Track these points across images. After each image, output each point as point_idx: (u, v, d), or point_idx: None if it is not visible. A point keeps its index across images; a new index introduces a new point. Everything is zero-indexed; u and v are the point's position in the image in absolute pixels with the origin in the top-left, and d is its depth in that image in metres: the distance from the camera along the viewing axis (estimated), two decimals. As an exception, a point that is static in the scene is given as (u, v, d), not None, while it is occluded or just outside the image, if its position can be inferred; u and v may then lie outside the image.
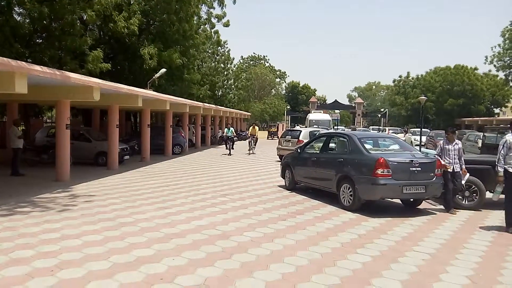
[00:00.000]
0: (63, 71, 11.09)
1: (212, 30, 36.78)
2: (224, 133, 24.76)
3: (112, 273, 4.87)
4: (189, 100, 24.83)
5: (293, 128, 27.80)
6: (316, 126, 29.07)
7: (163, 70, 21.80)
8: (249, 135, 25.42)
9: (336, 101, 75.70)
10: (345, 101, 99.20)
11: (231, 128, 24.58)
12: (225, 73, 51.79)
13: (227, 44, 49.97)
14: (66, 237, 6.28)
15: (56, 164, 12.45)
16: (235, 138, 26.81)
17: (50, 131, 17.42)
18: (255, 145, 24.81)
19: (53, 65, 16.46)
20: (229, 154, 22.89)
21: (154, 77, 21.83)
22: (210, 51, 45.33)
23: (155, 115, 35.48)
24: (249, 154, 23.69)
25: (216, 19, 32.79)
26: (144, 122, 19.80)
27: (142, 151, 19.00)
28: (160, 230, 6.80)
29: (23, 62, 8.92)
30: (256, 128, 25.61)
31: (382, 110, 73.67)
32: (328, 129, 26.09)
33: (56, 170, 12.37)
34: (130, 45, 22.74)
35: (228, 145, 23.49)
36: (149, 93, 17.64)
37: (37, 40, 19.91)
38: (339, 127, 42.24)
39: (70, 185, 11.37)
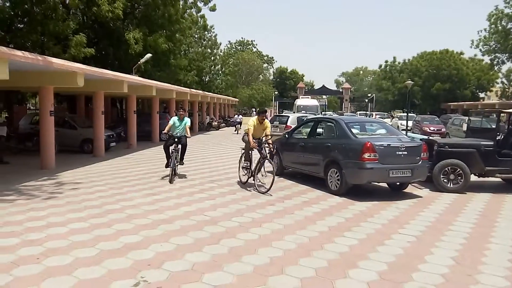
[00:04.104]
0: (46, 56, 10.85)
1: (198, 15, 36.31)
2: (168, 130, 10.54)
3: (100, 260, 4.84)
4: (175, 86, 24.59)
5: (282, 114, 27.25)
6: (304, 112, 29.11)
7: (149, 55, 21.50)
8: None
9: (323, 86, 75.88)
10: (333, 86, 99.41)
11: (186, 119, 10.86)
12: (212, 58, 51.29)
13: (213, 28, 49.49)
14: (52, 225, 6.21)
15: (40, 152, 12.25)
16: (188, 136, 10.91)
17: (34, 118, 17.12)
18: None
19: (35, 50, 16.11)
20: (172, 177, 10.02)
21: (139, 62, 21.53)
22: (196, 36, 44.80)
23: (142, 101, 35.11)
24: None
25: (202, 3, 32.36)
26: (130, 108, 19.57)
27: (128, 138, 18.81)
28: (148, 217, 6.76)
29: (4, 47, 8.67)
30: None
31: (369, 95, 74.02)
32: (315, 115, 26.16)
33: (41, 157, 12.18)
34: (115, 30, 22.34)
35: (172, 155, 10.33)
36: (135, 78, 17.40)
37: (18, 25, 19.43)
38: (327, 112, 42.37)
39: (55, 172, 11.22)
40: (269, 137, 9.52)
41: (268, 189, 8.78)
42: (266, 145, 9.47)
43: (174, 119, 10.81)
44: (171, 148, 10.46)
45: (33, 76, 11.70)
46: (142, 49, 21.70)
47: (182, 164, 10.99)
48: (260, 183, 9.19)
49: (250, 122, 9.49)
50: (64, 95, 24.77)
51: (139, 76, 20.23)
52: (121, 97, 28.12)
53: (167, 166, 10.51)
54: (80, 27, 20.66)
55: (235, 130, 30.88)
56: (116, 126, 20.42)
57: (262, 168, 9.37)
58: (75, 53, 17.84)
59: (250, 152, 9.61)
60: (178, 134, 10.65)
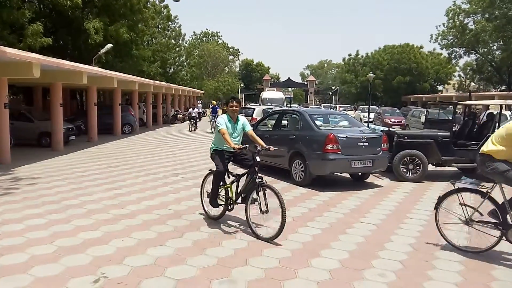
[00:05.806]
0: (-2, 46, 10.32)
1: (162, 4, 35.61)
2: (232, 142, 5.72)
3: (57, 257, 4.68)
4: (138, 77, 24.01)
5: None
6: (270, 104, 29.21)
7: (109, 45, 20.90)
8: None
9: (289, 79, 76.24)
10: (298, 79, 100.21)
11: (242, 120, 6.15)
12: (176, 49, 50.38)
13: (178, 19, 48.68)
14: (7, 222, 5.94)
15: (-6, 146, 11.70)
16: None
17: (-13, 111, 16.27)
18: None
19: (-13, 40, 15.28)
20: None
21: (100, 52, 20.89)
22: (160, 27, 43.83)
23: (103, 93, 34.12)
24: None
25: (166, -8, 31.70)
26: (90, 100, 18.95)
27: (89, 131, 18.26)
28: (109, 212, 6.60)
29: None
30: None
31: (333, 88, 75.18)
32: (281, 107, 26.31)
33: (-6, 152, 11.64)
34: (74, 19, 21.52)
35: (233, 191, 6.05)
36: (95, 69, 16.87)
37: (-32, 12, 18.32)
38: (292, 104, 42.66)
39: (11, 167, 10.75)
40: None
41: None
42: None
43: (225, 119, 5.94)
44: (231, 176, 6.05)
45: (-15, 67, 11.12)
46: (103, 39, 21.05)
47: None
48: None
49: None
50: (20, 87, 23.71)
51: (99, 67, 19.61)
52: (81, 88, 27.22)
53: (215, 205, 6.00)
54: (36, 15, 19.77)
55: (190, 128, 24.61)
56: (76, 119, 19.75)
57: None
58: (31, 42, 17.10)
59: None
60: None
